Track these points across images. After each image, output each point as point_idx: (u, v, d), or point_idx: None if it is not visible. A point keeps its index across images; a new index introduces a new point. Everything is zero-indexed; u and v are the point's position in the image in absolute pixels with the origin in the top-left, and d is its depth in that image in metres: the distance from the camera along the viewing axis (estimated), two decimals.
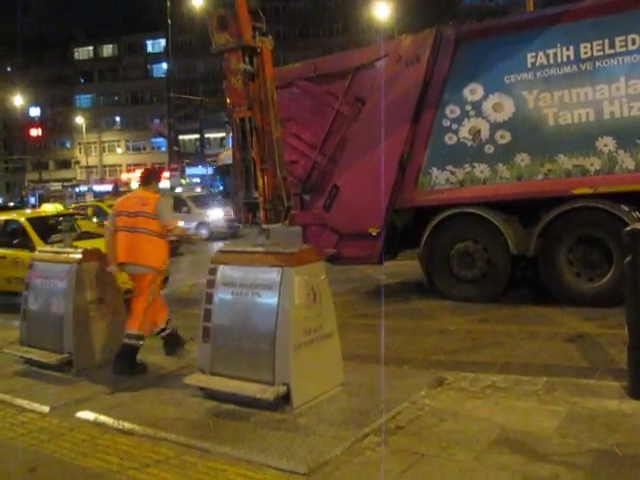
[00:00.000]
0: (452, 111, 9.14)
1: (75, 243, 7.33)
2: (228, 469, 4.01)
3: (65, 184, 68.56)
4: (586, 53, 8.15)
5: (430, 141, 9.29)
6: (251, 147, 5.33)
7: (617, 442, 3.99)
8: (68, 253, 6.74)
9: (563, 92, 8.32)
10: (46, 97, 73.88)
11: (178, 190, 33.34)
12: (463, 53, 9.04)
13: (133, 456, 4.33)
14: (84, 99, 78.56)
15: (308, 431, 4.51)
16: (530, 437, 4.16)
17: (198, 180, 53.50)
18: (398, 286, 10.99)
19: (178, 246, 16.26)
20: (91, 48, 78.60)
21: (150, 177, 6.66)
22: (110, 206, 17.75)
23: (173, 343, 6.76)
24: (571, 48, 8.24)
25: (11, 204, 38.63)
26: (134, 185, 61.67)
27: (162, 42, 66.22)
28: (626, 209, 7.94)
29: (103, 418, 5.08)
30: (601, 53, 8.06)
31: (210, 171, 51.04)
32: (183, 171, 51.09)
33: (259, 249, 5.35)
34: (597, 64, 8.10)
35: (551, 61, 8.39)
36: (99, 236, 11.60)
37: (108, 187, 66.64)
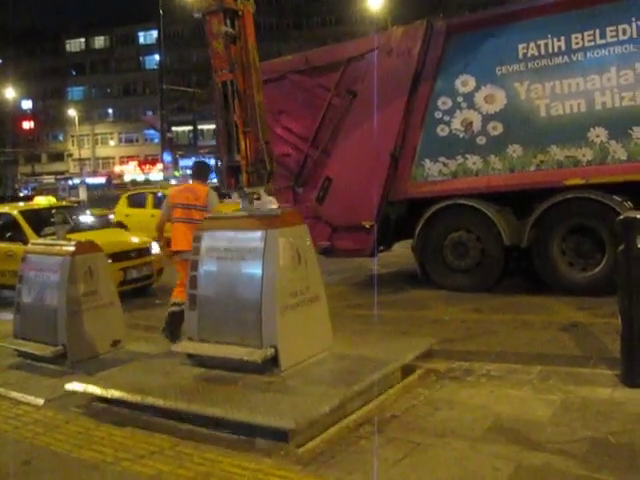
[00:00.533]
0: (444, 103, 9.12)
1: (68, 236, 7.30)
2: (223, 460, 4.02)
3: (58, 177, 68.20)
4: (577, 44, 8.14)
5: (422, 133, 9.28)
6: (233, 111, 5.30)
7: (610, 430, 4.02)
8: (61, 245, 6.72)
9: (555, 83, 8.32)
10: (38, 89, 73.64)
11: (172, 182, 33.23)
12: (454, 45, 9.02)
13: (128, 447, 4.33)
14: (76, 91, 78.24)
15: (296, 391, 4.54)
16: (524, 425, 4.19)
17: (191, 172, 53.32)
18: (391, 276, 10.99)
19: None
20: (83, 40, 78.17)
21: (201, 170, 7.51)
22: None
23: (175, 324, 6.94)
24: (562, 39, 8.23)
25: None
26: (127, 177, 61.71)
27: (154, 33, 66.02)
28: (618, 199, 7.95)
29: (92, 388, 5.11)
30: (592, 43, 8.04)
31: None
32: (176, 162, 51.06)
33: (242, 213, 5.35)
34: (588, 55, 8.09)
35: (542, 52, 8.37)
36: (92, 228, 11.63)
37: (101, 179, 66.46)
